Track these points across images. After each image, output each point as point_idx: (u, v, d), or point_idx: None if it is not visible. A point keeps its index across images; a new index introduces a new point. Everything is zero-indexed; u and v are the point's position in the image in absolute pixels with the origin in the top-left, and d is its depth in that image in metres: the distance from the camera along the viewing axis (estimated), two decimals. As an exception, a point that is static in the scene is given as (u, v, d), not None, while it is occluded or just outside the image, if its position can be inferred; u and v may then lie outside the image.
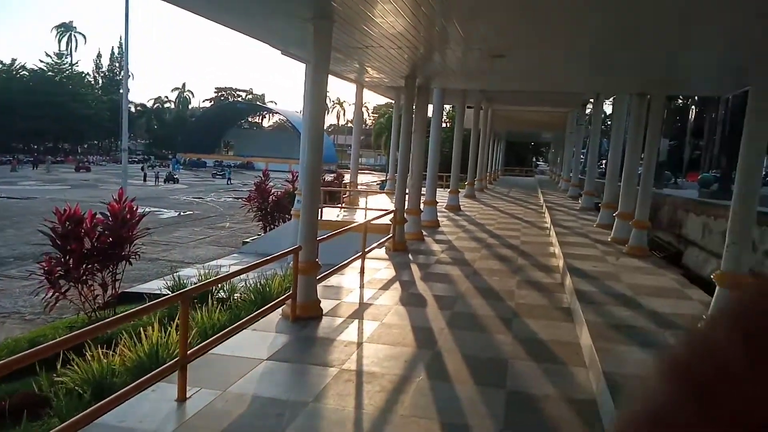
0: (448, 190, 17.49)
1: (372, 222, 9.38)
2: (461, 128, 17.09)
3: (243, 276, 9.05)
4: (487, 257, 9.78)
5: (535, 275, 8.51)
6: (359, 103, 17.49)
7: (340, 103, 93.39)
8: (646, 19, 5.87)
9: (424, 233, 11.61)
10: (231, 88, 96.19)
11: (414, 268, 8.76)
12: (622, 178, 11.48)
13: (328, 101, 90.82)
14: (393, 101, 19.31)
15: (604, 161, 24.65)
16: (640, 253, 9.78)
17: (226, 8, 6.28)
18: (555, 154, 43.84)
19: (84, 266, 9.18)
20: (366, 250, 8.49)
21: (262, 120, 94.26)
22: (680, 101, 45.09)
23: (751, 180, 5.56)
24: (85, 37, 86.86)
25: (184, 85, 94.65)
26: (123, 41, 28.18)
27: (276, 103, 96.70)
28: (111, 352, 6.09)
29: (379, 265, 8.75)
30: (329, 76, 11.11)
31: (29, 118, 63.92)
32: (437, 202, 13.52)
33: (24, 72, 70.75)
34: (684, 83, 11.09)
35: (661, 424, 0.30)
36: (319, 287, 6.68)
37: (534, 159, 65.34)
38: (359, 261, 8.26)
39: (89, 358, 5.86)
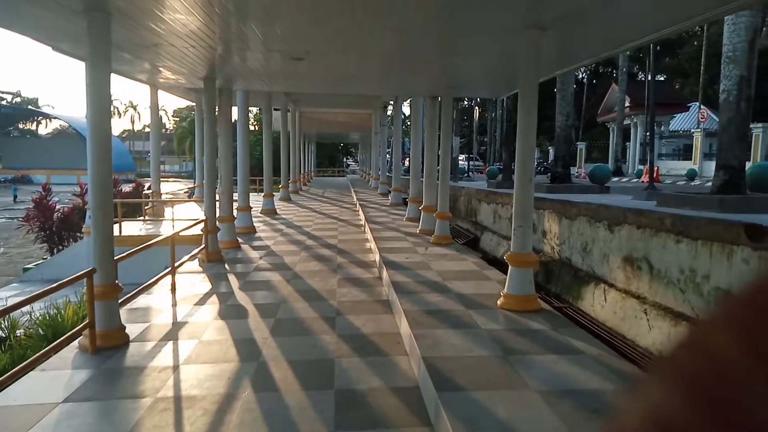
0: (263, 194, 17.15)
1: (180, 233, 8.72)
2: (270, 131, 16.88)
3: (27, 308, 7.77)
4: (308, 259, 9.79)
5: (355, 272, 8.76)
6: (155, 106, 16.19)
7: (134, 107, 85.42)
8: (428, 33, 6.41)
9: (240, 240, 11.21)
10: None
11: (232, 278, 8.37)
12: (424, 174, 12.40)
13: (119, 104, 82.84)
14: (194, 104, 18.25)
15: (408, 159, 26.45)
16: (445, 242, 10.71)
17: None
18: (364, 153, 45.83)
19: None
20: (176, 264, 7.88)
21: (37, 127, 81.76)
22: (466, 103, 50.60)
23: (527, 170, 6.39)
24: None
25: None
26: None
27: (54, 108, 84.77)
28: None
29: (192, 279, 8.18)
30: (117, 76, 10.11)
31: None
32: (251, 207, 13.15)
33: None
34: (466, 87, 12.38)
35: (658, 426, 0.29)
36: (123, 311, 6.02)
37: (345, 159, 67.53)
38: (169, 277, 7.63)
39: None
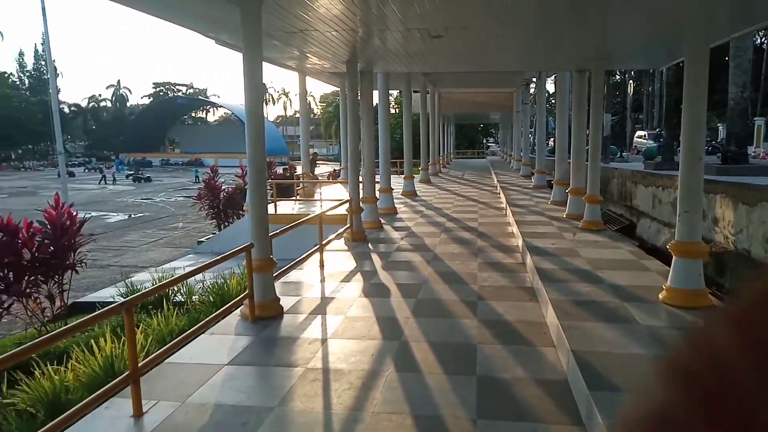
0: (403, 176, 17.43)
1: (327, 213, 9.17)
2: (409, 113, 17.01)
3: (199, 277, 8.72)
4: (447, 241, 9.75)
5: (496, 256, 8.53)
6: (303, 92, 17.13)
7: (286, 94, 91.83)
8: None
9: (383, 221, 11.50)
10: (170, 82, 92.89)
11: (375, 257, 8.63)
12: (571, 154, 11.66)
13: (273, 92, 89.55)
14: (338, 88, 19.00)
15: (552, 139, 25.15)
16: (595, 227, 9.98)
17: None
18: (504, 134, 44.49)
19: (26, 279, 8.63)
20: (324, 242, 8.30)
21: (206, 115, 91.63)
22: (618, 76, 46.54)
23: (695, 148, 5.65)
24: (2, 35, 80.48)
25: (119, 81, 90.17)
26: (44, 38, 26.48)
27: (219, 97, 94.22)
28: (63, 368, 5.72)
29: (338, 257, 8.57)
30: (270, 65, 10.84)
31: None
32: (393, 189, 13.43)
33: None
34: (620, 58, 11.33)
35: (663, 428, 0.29)
36: (278, 284, 6.46)
37: (484, 140, 66.21)
38: (318, 254, 8.06)
39: (38, 376, 5.50)
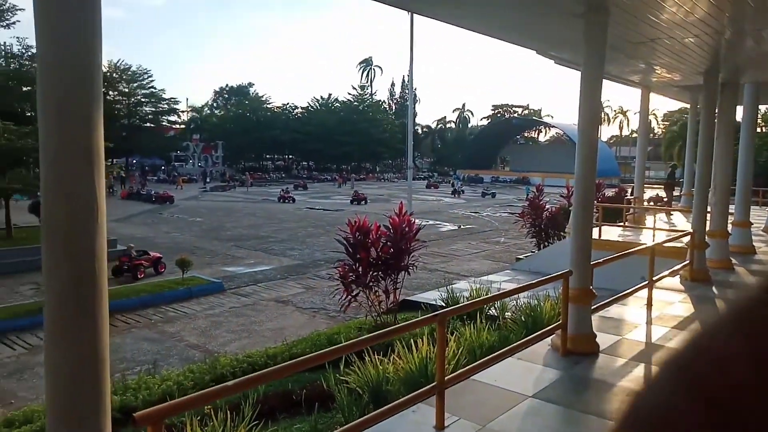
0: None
1: (662, 245, 8.02)
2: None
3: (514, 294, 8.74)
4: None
5: None
6: (645, 109, 15.48)
7: (623, 112, 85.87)
8: None
9: (734, 261, 9.49)
10: (507, 104, 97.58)
11: (720, 304, 7.14)
12: None
13: (609, 110, 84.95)
14: (688, 105, 16.59)
15: None
16: None
17: (492, 17, 6.11)
18: None
19: (370, 273, 10.13)
20: (654, 278, 7.27)
21: (538, 135, 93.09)
22: None
23: None
24: (381, 69, 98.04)
25: (464, 105, 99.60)
26: (409, 71, 31.17)
27: (552, 117, 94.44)
28: (386, 359, 6.44)
29: (671, 298, 7.40)
30: (610, 81, 10.09)
31: (340, 143, 75.81)
32: (752, 223, 10.98)
33: (337, 104, 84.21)
34: None
35: (664, 428, 0.29)
36: (595, 318, 5.91)
37: None
38: (645, 290, 7.10)
39: (368, 363, 6.32)
